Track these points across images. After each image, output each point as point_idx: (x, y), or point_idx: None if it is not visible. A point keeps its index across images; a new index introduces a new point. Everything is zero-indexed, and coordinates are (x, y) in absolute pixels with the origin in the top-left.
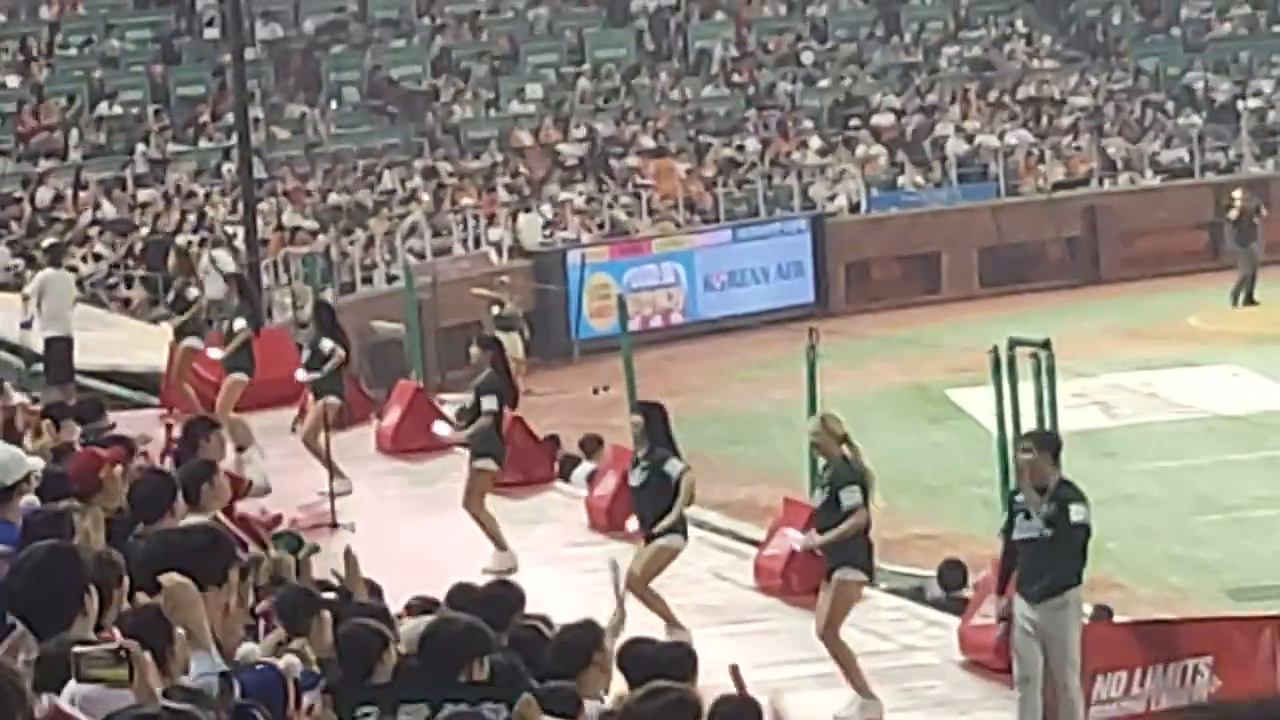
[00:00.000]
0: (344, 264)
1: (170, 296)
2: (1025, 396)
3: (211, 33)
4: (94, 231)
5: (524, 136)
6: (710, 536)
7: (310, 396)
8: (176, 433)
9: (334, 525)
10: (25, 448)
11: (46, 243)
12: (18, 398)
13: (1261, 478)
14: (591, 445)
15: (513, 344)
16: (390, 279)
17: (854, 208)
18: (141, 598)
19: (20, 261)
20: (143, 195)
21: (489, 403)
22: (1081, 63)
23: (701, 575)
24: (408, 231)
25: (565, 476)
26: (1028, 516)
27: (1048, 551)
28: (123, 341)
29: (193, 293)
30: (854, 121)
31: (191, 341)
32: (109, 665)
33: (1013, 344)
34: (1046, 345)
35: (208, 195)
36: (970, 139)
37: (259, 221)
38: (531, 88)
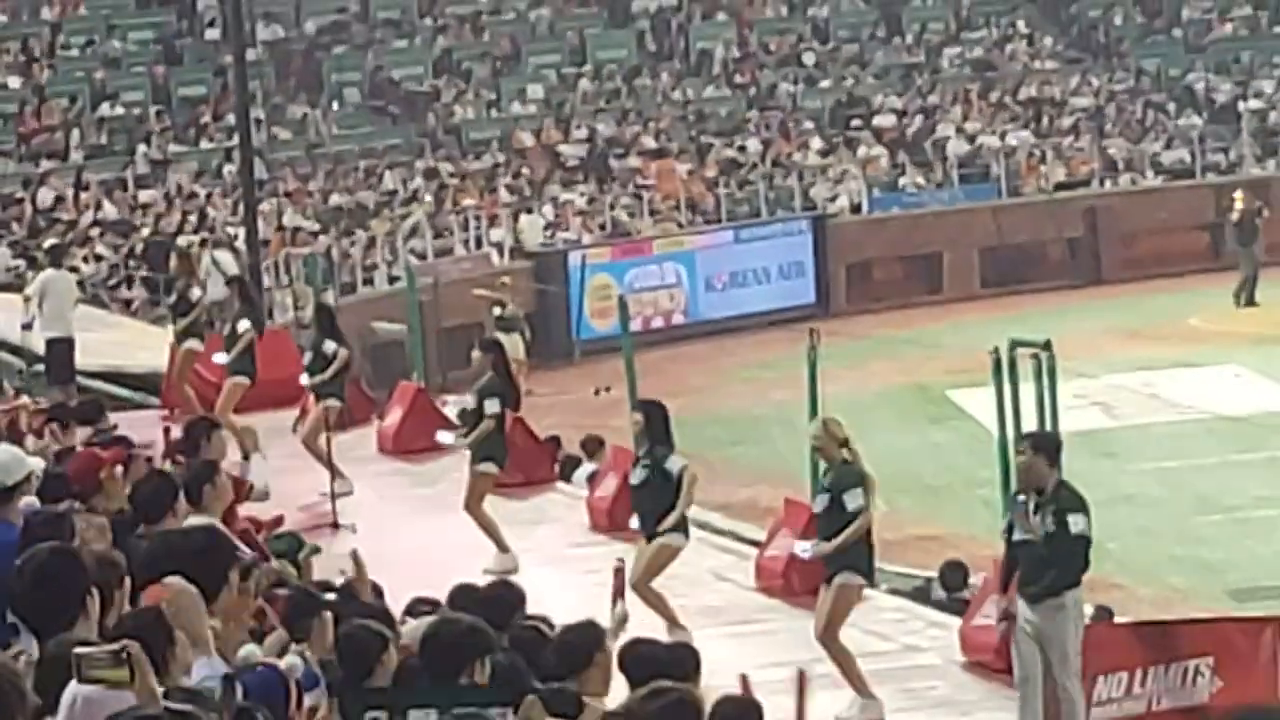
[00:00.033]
0: (345, 265)
1: (172, 298)
2: (1026, 397)
3: (213, 33)
4: (95, 232)
5: (525, 137)
6: (711, 537)
7: (311, 398)
8: (175, 435)
9: (335, 526)
10: (27, 449)
11: (48, 243)
12: (21, 399)
13: (1263, 478)
14: (593, 446)
15: (514, 345)
16: (392, 280)
17: (855, 208)
18: (142, 599)
19: (21, 262)
20: (144, 196)
21: (492, 406)
22: (1083, 63)
23: (702, 576)
24: (409, 232)
25: (566, 477)
26: (1027, 518)
27: (1046, 554)
28: (124, 342)
29: (195, 294)
30: (855, 122)
31: (193, 343)
32: (110, 666)
33: (1014, 344)
34: (1047, 346)
35: (209, 196)
36: (971, 139)
37: (260, 222)
38: (533, 88)
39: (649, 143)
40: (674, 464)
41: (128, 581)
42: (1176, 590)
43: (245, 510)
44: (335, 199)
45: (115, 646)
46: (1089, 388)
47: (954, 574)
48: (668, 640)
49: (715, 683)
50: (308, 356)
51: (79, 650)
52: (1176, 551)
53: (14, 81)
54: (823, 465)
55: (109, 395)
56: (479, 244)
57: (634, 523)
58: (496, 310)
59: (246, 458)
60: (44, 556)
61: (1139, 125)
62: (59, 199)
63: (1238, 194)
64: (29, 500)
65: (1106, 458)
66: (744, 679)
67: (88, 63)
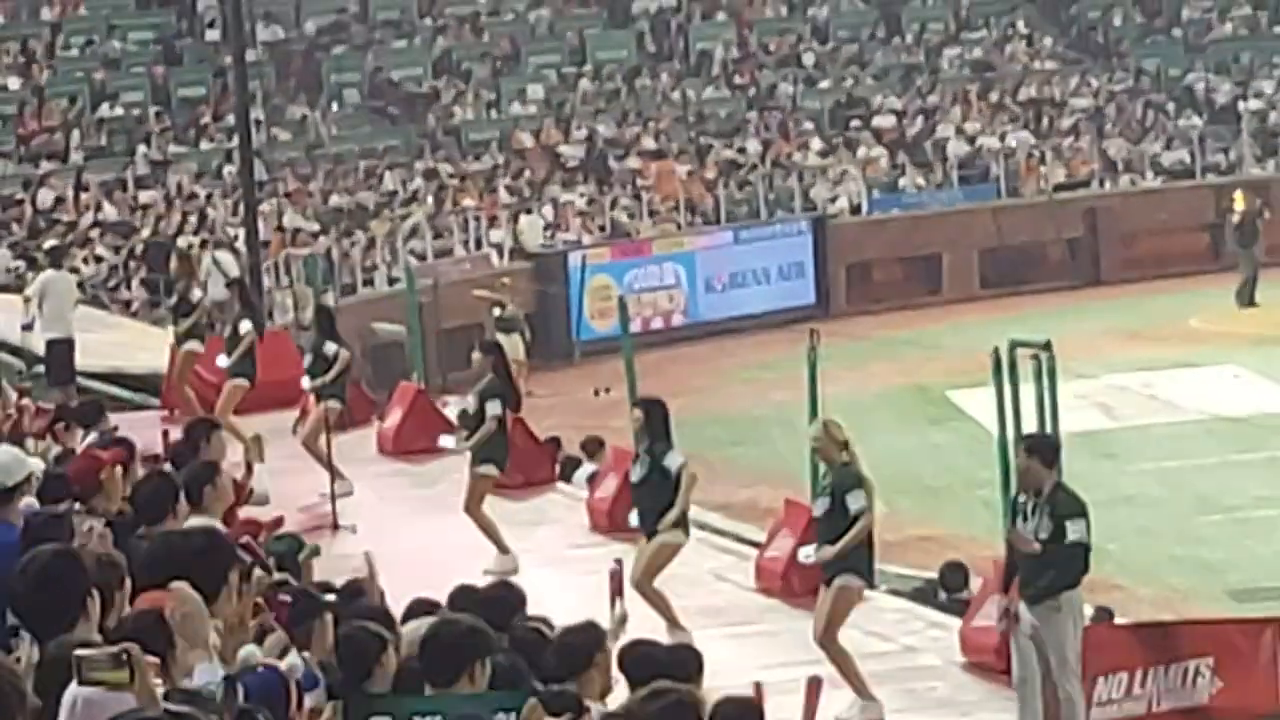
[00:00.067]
0: (345, 266)
1: (173, 299)
2: (1026, 398)
3: (213, 34)
4: (95, 233)
5: (525, 138)
6: (711, 538)
7: (312, 399)
8: (174, 437)
9: (335, 527)
10: (28, 449)
11: (48, 244)
12: (24, 400)
13: (1262, 478)
14: (593, 447)
15: (514, 346)
16: (391, 281)
17: (855, 209)
18: (140, 604)
19: (21, 263)
20: (144, 197)
21: (493, 408)
22: (1082, 64)
23: (702, 577)
24: (409, 233)
25: (566, 478)
26: (1025, 519)
27: (1044, 556)
28: (124, 343)
29: (195, 295)
30: (855, 123)
31: (193, 345)
32: (110, 668)
33: (1014, 345)
34: (1047, 346)
35: (209, 197)
36: (971, 140)
37: (260, 223)
38: (533, 89)
39: (649, 143)
40: (673, 461)
41: (128, 583)
42: (1176, 591)
43: (244, 513)
44: (335, 200)
45: (115, 649)
46: (1089, 388)
47: (954, 575)
48: (669, 641)
49: (715, 684)
50: (308, 359)
51: (79, 652)
52: (1176, 552)
53: (14, 82)
54: (822, 467)
55: (109, 396)
56: (479, 245)
57: (634, 518)
58: (496, 311)
59: (250, 468)
60: (45, 558)
61: (1139, 126)
62: (59, 200)
63: (1238, 195)
64: (28, 501)
65: (1107, 458)
66: (758, 687)
67: (87, 63)
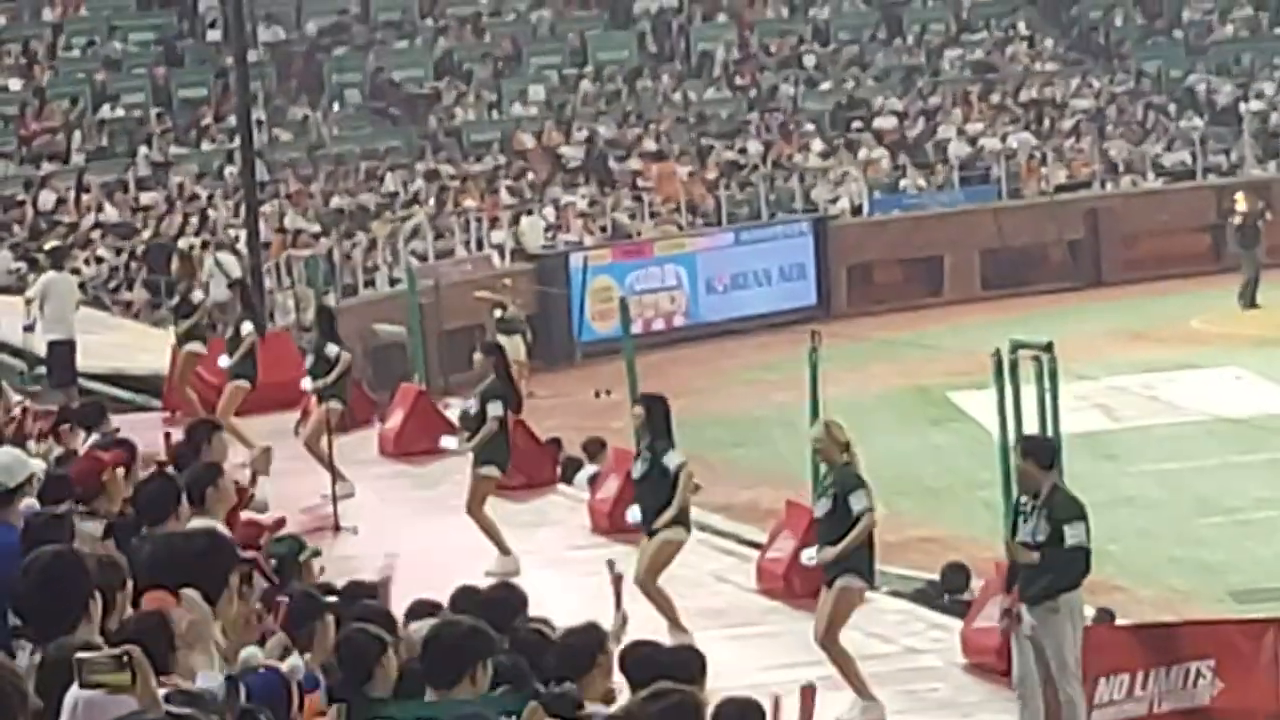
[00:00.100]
0: (346, 267)
1: (174, 301)
2: (1027, 399)
3: (214, 35)
4: (96, 234)
5: (526, 139)
6: (712, 539)
7: (313, 400)
8: (176, 438)
9: (336, 529)
10: (30, 451)
11: (49, 246)
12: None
13: (1263, 480)
14: (594, 448)
15: (515, 347)
16: (393, 282)
17: (856, 210)
18: (144, 604)
19: (23, 265)
20: (145, 198)
21: (495, 409)
22: (1083, 65)
23: (703, 578)
24: (410, 234)
25: (567, 479)
26: (1025, 520)
27: (1042, 559)
28: (125, 345)
29: (197, 296)
30: (856, 124)
31: (194, 346)
32: (111, 670)
33: (1015, 346)
34: (1049, 348)
35: (210, 198)
36: (972, 141)
37: (261, 224)
38: (534, 90)
39: (650, 144)
40: (672, 460)
41: (130, 584)
42: (1177, 592)
43: (245, 516)
44: (336, 201)
45: (117, 651)
46: (1090, 390)
47: (955, 576)
48: (671, 642)
49: (716, 685)
50: (309, 360)
51: (80, 654)
52: (1177, 553)
53: (15, 83)
54: (824, 468)
55: (111, 398)
56: (480, 246)
57: (633, 513)
58: (498, 312)
59: (254, 477)
60: (47, 559)
61: (1140, 127)
62: (60, 201)
63: (1240, 196)
64: (29, 502)
65: (1108, 460)
66: (776, 700)
67: (89, 64)
